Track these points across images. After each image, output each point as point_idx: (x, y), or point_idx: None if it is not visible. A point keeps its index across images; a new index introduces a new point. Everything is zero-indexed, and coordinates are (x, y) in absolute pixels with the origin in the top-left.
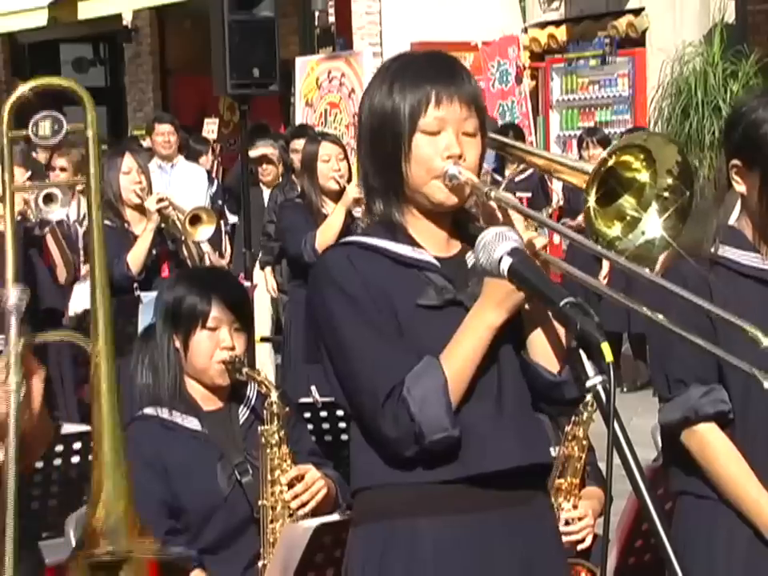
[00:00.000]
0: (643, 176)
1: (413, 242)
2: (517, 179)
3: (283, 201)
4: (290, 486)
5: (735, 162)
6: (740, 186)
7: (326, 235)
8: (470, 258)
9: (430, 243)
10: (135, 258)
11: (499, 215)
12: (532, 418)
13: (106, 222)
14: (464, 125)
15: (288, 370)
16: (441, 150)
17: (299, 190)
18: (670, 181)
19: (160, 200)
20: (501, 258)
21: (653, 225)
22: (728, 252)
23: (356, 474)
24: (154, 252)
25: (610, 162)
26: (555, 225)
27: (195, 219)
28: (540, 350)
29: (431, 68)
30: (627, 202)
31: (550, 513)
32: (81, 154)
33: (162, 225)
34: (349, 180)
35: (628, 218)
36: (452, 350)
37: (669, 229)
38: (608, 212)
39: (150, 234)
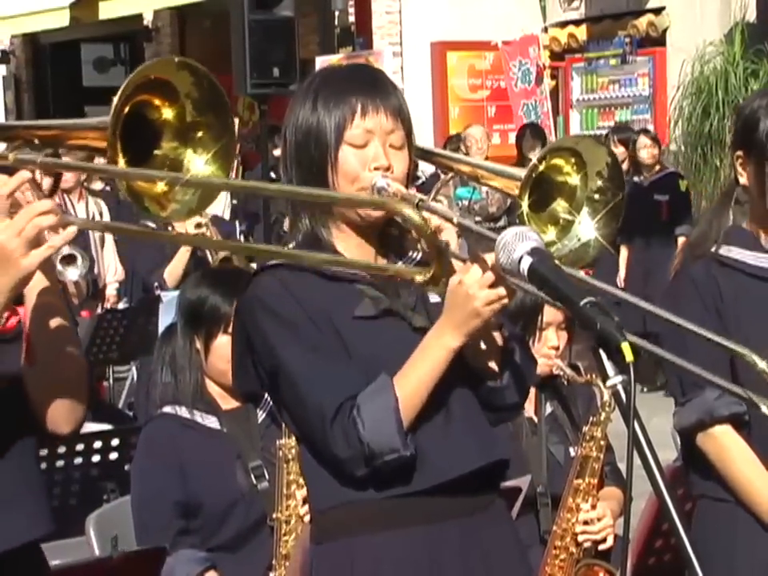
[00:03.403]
0: (574, 179)
1: (338, 255)
2: None
3: None
4: (305, 501)
5: (738, 153)
6: (742, 178)
7: None
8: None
9: (357, 254)
10: (172, 273)
11: (441, 223)
12: (482, 418)
13: (149, 223)
14: (390, 137)
15: None
16: (368, 162)
17: None
18: (600, 183)
19: (198, 225)
20: (521, 257)
21: (586, 227)
22: (733, 252)
23: (312, 497)
24: None
25: (541, 167)
26: (483, 231)
27: (226, 261)
28: (479, 355)
29: (355, 80)
30: (560, 206)
31: (507, 515)
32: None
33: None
34: None
35: (561, 221)
36: (407, 371)
37: (602, 230)
38: (542, 217)
39: (187, 252)
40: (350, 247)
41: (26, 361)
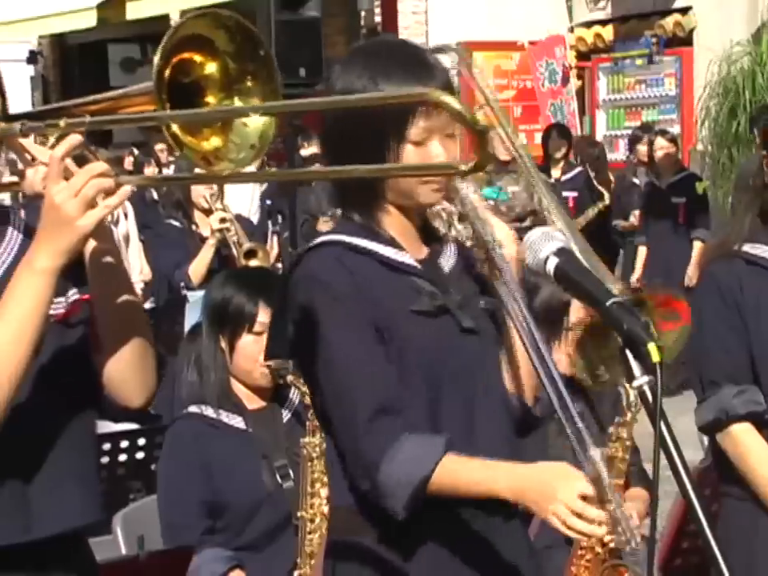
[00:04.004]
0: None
1: (394, 243)
2: (563, 179)
3: None
4: (329, 500)
5: (763, 152)
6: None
7: None
8: (445, 260)
9: (407, 243)
10: (196, 271)
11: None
12: (505, 436)
13: (174, 222)
14: (447, 128)
15: None
16: (431, 159)
17: None
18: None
19: (222, 220)
20: (547, 257)
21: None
22: (758, 249)
23: (330, 490)
24: None
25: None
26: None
27: (251, 253)
28: (516, 379)
29: (415, 66)
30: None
31: (524, 533)
32: (109, 155)
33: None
34: None
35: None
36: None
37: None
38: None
39: (211, 249)
40: (400, 230)
41: (95, 343)
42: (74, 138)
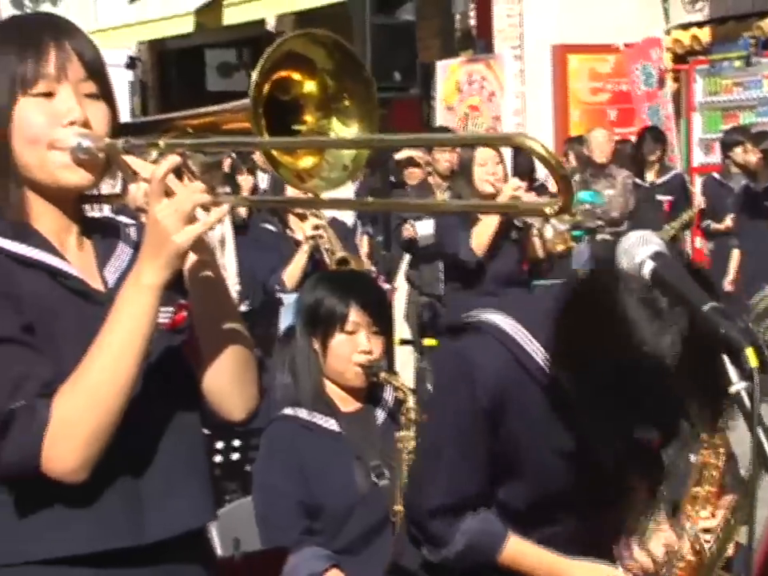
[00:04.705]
0: (310, 86)
1: None
2: (658, 182)
3: None
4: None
5: None
6: None
7: (482, 236)
8: None
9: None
10: (291, 275)
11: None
12: None
13: (269, 226)
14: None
15: None
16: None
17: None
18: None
19: (316, 227)
20: (643, 261)
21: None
22: None
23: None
24: None
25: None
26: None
27: (343, 262)
28: None
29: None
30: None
31: None
32: (208, 159)
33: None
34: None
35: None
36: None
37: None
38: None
39: (304, 255)
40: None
41: (192, 354)
42: (174, 159)
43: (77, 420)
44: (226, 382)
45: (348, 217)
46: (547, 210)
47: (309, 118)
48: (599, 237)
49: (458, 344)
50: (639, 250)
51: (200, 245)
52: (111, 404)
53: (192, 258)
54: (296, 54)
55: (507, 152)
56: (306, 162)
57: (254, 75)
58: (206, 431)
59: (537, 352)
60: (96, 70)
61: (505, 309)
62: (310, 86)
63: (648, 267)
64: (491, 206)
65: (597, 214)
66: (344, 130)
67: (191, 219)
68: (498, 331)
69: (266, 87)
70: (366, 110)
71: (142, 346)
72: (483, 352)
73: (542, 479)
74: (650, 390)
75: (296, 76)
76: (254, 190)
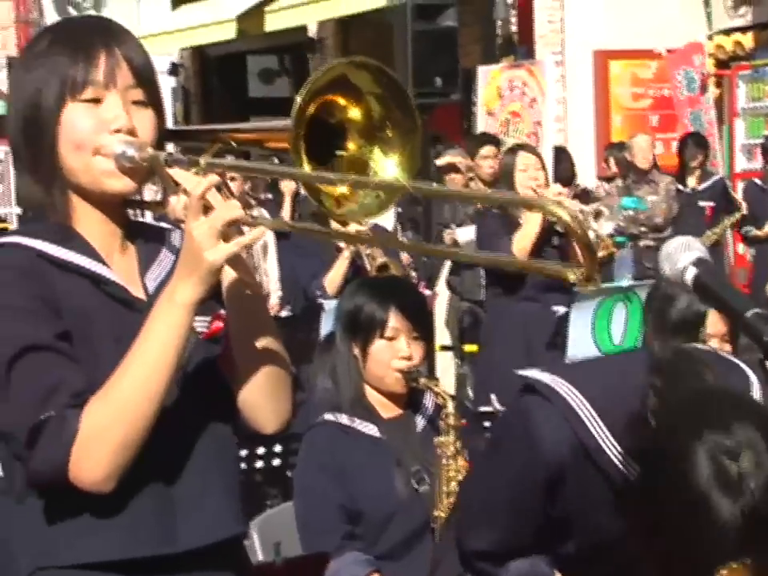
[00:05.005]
0: (354, 112)
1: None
2: (700, 188)
3: (483, 211)
4: None
5: None
6: None
7: (523, 242)
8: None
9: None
10: (332, 281)
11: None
12: None
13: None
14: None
15: (484, 377)
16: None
17: None
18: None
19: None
20: (685, 267)
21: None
22: None
23: None
24: None
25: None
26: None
27: (383, 268)
28: None
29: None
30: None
31: None
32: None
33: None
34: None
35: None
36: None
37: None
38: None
39: (345, 261)
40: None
41: (226, 366)
42: (213, 179)
43: (105, 432)
44: (260, 395)
45: (388, 222)
46: (571, 277)
47: (351, 144)
48: (642, 243)
49: (525, 406)
50: (681, 255)
51: (237, 261)
52: (140, 417)
53: (229, 273)
54: (343, 80)
55: (548, 157)
56: (342, 188)
57: (299, 98)
58: (246, 437)
59: (602, 435)
60: (145, 77)
61: (576, 380)
62: (355, 113)
63: (690, 273)
64: (523, 264)
65: (640, 220)
66: (384, 159)
67: (227, 237)
68: (566, 406)
69: (310, 109)
70: (409, 142)
71: (173, 361)
72: (547, 422)
73: (594, 539)
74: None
75: (341, 101)
76: (296, 195)
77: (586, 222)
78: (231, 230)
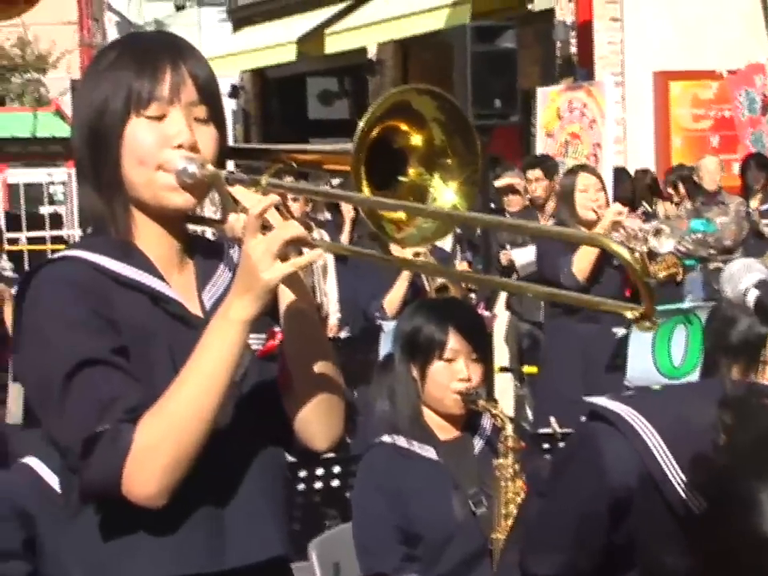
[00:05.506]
0: (417, 139)
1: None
2: (763, 209)
3: None
4: None
5: None
6: None
7: (583, 261)
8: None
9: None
10: (391, 303)
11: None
12: None
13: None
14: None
15: (543, 399)
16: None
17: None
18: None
19: (416, 254)
20: (747, 289)
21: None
22: None
23: None
24: None
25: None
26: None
27: (443, 289)
28: None
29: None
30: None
31: None
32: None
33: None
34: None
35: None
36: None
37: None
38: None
39: (405, 282)
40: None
41: (281, 383)
42: (273, 198)
43: (158, 447)
44: (313, 413)
45: (447, 243)
46: (629, 315)
47: (411, 170)
48: (712, 265)
49: (592, 432)
50: (743, 277)
51: (294, 281)
52: (193, 433)
53: (286, 292)
54: (405, 105)
55: (608, 179)
56: (401, 213)
57: (361, 122)
58: (305, 458)
59: (669, 466)
60: (208, 94)
61: (645, 409)
62: (416, 139)
63: (752, 295)
64: (579, 300)
65: (708, 243)
66: (444, 186)
67: (284, 256)
68: (634, 435)
69: (372, 134)
70: (469, 169)
71: (227, 377)
72: (614, 450)
73: (656, 571)
74: None
75: (403, 126)
76: (356, 217)
77: (645, 262)
78: (289, 249)
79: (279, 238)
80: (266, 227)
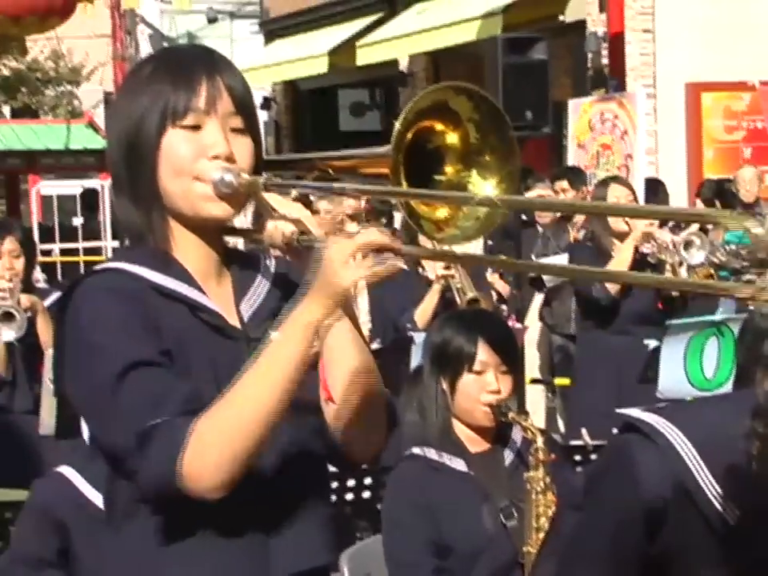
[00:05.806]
0: (453, 137)
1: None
2: None
3: (575, 243)
4: None
5: None
6: None
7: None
8: None
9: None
10: (422, 315)
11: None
12: None
13: (402, 265)
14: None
15: (575, 411)
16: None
17: (569, 232)
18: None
19: (447, 266)
20: None
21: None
22: None
23: None
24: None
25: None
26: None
27: (473, 302)
28: None
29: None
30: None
31: None
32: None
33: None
34: None
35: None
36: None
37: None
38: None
39: (436, 294)
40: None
41: (324, 394)
42: (350, 203)
43: (217, 442)
44: (354, 423)
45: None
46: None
47: (449, 168)
48: (745, 278)
49: (626, 444)
50: None
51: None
52: (254, 431)
53: None
54: (442, 105)
55: (639, 190)
56: (442, 212)
57: (398, 124)
58: (337, 469)
59: (703, 476)
60: (244, 106)
61: (678, 420)
62: (453, 138)
63: None
64: (689, 285)
65: (741, 255)
66: (483, 183)
67: (361, 263)
68: (668, 446)
69: (408, 136)
70: (507, 168)
71: (295, 377)
72: (648, 461)
73: None
74: None
75: (439, 126)
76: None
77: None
78: (367, 254)
79: (364, 244)
80: (341, 233)
